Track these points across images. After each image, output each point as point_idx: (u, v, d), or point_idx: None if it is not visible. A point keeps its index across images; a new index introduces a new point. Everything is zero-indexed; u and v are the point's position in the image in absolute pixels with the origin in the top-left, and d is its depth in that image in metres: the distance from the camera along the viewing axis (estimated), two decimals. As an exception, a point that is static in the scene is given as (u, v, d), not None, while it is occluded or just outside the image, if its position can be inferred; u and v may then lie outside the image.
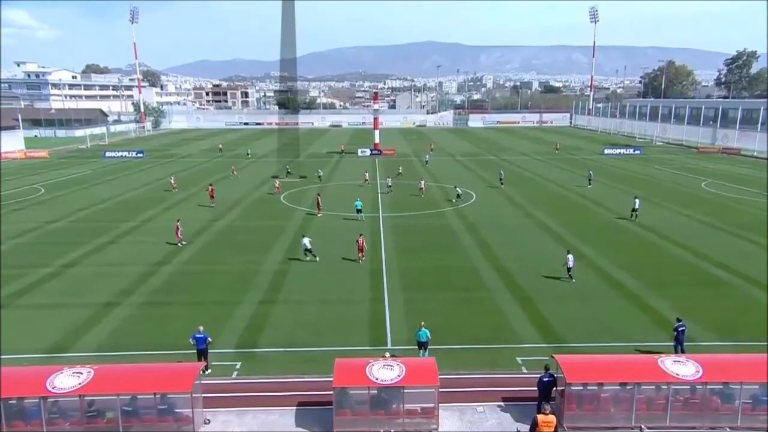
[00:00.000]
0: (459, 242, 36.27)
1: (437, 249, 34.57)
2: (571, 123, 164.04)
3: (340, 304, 25.76)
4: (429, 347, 19.99)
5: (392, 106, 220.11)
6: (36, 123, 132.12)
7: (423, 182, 53.96)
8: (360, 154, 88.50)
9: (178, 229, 35.66)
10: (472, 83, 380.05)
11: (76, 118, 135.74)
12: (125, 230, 39.76)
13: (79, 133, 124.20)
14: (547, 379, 16.62)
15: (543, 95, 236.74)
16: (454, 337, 22.05)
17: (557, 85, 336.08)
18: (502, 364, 20.04)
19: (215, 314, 24.39)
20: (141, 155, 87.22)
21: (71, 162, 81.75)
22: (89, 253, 34.18)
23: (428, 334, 19.88)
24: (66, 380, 15.26)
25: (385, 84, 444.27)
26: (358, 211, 42.19)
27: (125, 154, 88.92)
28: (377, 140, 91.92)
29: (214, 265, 31.66)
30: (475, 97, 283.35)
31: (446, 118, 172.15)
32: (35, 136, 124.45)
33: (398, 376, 15.78)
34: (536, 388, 16.74)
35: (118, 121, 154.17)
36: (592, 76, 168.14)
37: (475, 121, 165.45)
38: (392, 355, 17.76)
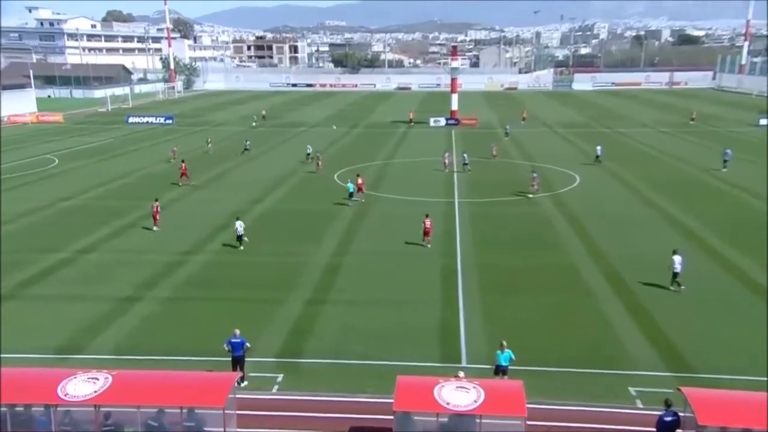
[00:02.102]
0: (555, 235, 35.83)
1: (527, 243, 34.26)
2: (714, 84, 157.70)
3: (403, 308, 25.94)
4: (512, 368, 19.68)
5: (475, 64, 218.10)
6: (49, 81, 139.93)
7: (537, 178, 46.35)
8: (433, 123, 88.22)
9: (156, 210, 36.88)
10: (579, 34, 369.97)
11: (96, 75, 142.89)
12: (150, 211, 41.18)
13: (98, 93, 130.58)
14: (669, 418, 16.12)
15: (676, 48, 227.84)
16: (546, 356, 21.74)
17: (697, 34, 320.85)
18: (608, 394, 19.57)
19: (254, 315, 25.06)
20: (170, 121, 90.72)
21: (89, 128, 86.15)
22: (108, 237, 35.92)
23: (513, 356, 19.59)
24: (80, 387, 15.96)
25: (466, 36, 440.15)
26: (350, 195, 42.83)
27: (151, 119, 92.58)
28: (455, 107, 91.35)
29: (252, 256, 32.52)
30: (583, 51, 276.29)
31: (544, 78, 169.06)
32: (49, 96, 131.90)
33: (475, 401, 15.65)
34: (654, 430, 16.28)
35: (143, 80, 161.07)
36: (748, 21, 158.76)
37: (582, 82, 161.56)
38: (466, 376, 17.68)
